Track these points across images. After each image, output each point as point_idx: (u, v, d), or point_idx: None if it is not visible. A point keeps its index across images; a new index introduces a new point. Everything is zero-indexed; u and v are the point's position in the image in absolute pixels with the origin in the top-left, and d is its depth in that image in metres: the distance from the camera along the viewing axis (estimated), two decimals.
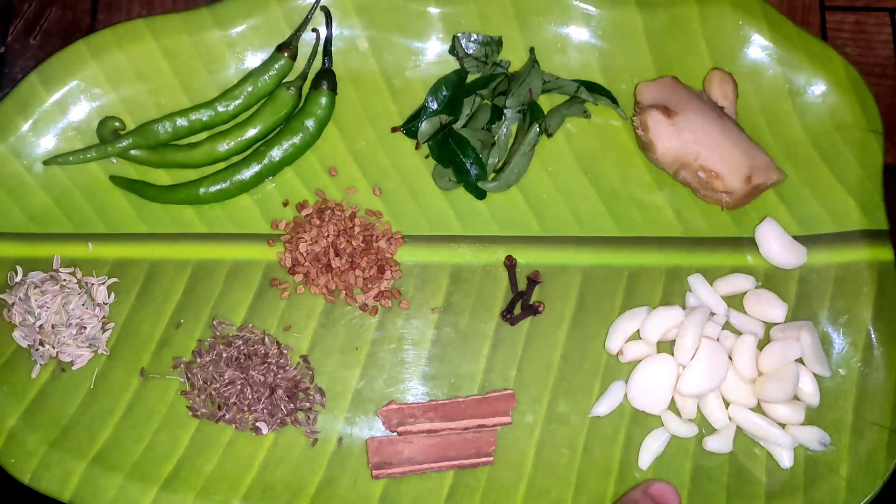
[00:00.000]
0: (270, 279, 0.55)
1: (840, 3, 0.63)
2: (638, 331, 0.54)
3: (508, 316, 0.54)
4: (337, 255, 0.54)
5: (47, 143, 0.55)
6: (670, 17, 0.57)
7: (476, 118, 0.56)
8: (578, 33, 0.58)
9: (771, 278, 0.56)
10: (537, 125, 0.55)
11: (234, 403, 0.52)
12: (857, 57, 0.62)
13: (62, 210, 0.55)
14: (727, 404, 0.54)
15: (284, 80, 0.56)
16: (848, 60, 0.57)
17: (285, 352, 0.54)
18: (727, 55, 0.58)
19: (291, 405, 0.53)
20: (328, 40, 0.56)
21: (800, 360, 0.53)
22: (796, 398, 0.53)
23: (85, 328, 0.53)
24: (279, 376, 0.53)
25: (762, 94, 0.58)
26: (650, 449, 0.53)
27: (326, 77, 0.55)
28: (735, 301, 0.56)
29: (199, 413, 0.52)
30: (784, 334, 0.54)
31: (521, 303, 0.55)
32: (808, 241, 0.56)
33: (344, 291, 0.55)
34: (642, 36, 0.58)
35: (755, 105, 0.58)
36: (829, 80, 0.57)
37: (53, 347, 0.52)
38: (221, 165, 0.56)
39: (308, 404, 0.53)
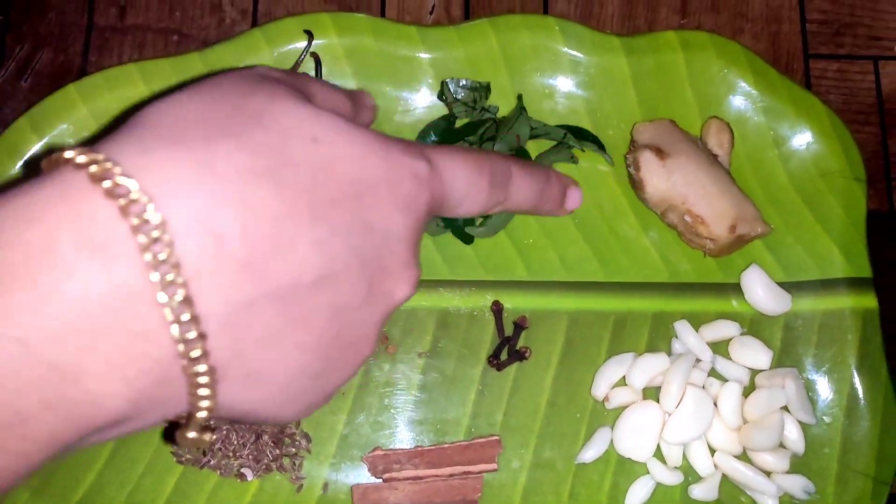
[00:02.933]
0: None
1: (824, 50, 0.64)
2: (624, 377, 0.54)
3: (495, 361, 0.54)
4: None
5: None
6: (657, 64, 0.58)
7: None
8: (566, 79, 0.58)
9: (756, 324, 0.56)
10: None
11: (219, 449, 0.52)
12: (841, 105, 0.63)
13: None
14: (713, 452, 0.54)
15: None
16: (831, 108, 0.58)
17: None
18: (713, 102, 0.58)
19: (277, 451, 0.52)
20: None
21: (785, 408, 0.54)
22: (782, 446, 0.54)
23: None
24: None
25: (747, 141, 0.58)
26: (636, 496, 0.53)
27: None
28: (721, 347, 0.56)
29: (183, 459, 0.52)
30: (769, 381, 0.54)
31: (508, 348, 0.55)
32: (792, 287, 0.56)
33: None
34: (629, 82, 0.58)
35: (741, 152, 0.58)
36: (813, 127, 0.58)
37: None
38: None
39: (294, 450, 0.53)
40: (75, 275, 0.22)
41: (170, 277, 0.23)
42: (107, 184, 0.23)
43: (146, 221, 0.23)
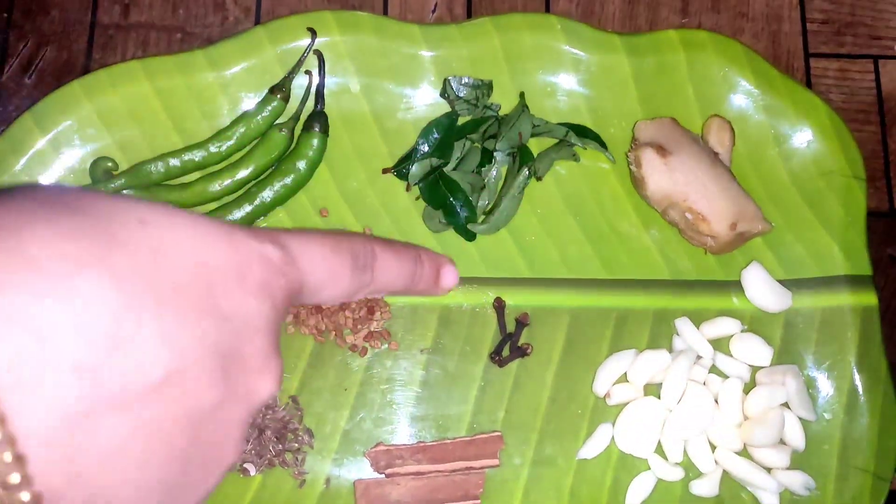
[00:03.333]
0: None
1: (824, 50, 0.64)
2: (625, 373, 0.55)
3: (497, 358, 0.55)
4: None
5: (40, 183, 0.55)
6: (657, 63, 0.58)
7: (466, 161, 0.57)
8: (567, 77, 0.59)
9: (757, 322, 0.56)
10: (527, 168, 0.56)
11: None
12: (841, 103, 0.63)
13: None
14: (714, 448, 0.54)
15: (277, 122, 0.57)
16: (832, 107, 0.58)
17: (275, 392, 0.54)
18: (714, 101, 0.59)
19: (280, 446, 0.53)
20: (321, 83, 0.57)
21: (785, 405, 0.54)
22: (782, 442, 0.54)
23: None
24: (268, 417, 0.53)
25: (748, 140, 0.59)
26: (637, 492, 0.53)
27: (318, 119, 0.56)
28: (721, 344, 0.56)
29: None
30: (770, 378, 0.54)
31: (510, 345, 0.55)
32: (793, 285, 0.57)
33: (333, 332, 0.55)
34: (630, 81, 0.59)
35: (742, 150, 0.59)
36: (814, 126, 0.58)
37: None
38: (213, 206, 0.56)
39: (296, 445, 0.53)
40: None
41: None
42: None
43: None
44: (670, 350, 0.55)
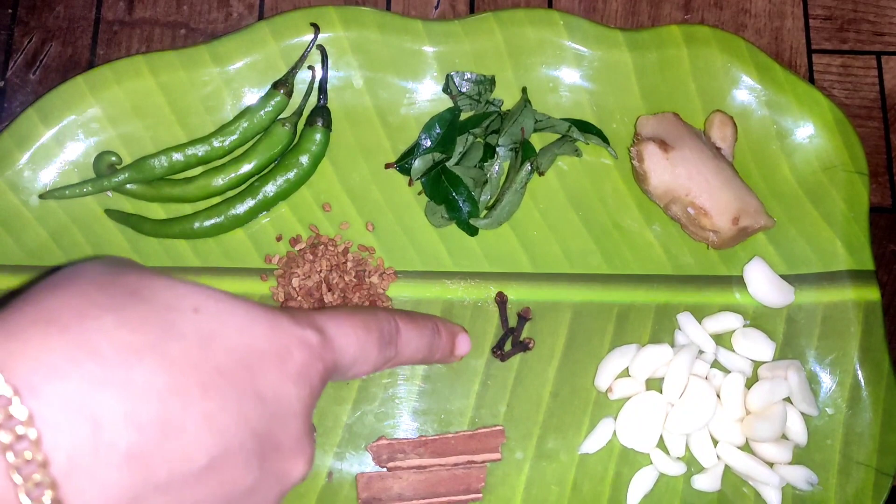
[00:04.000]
0: None
1: (827, 46, 0.64)
2: (627, 368, 0.55)
3: (499, 352, 0.55)
4: (329, 290, 0.55)
5: (44, 178, 0.55)
6: (660, 59, 0.59)
7: (469, 156, 0.57)
8: (570, 73, 0.59)
9: (759, 317, 0.56)
10: (529, 163, 0.56)
11: None
12: (844, 99, 0.63)
13: (58, 244, 0.55)
14: (716, 442, 0.54)
15: (280, 117, 0.57)
16: (834, 102, 0.58)
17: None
18: (716, 96, 0.59)
19: None
20: (324, 78, 0.57)
21: (787, 399, 0.54)
22: (784, 437, 0.54)
23: None
24: None
25: (751, 135, 0.59)
26: (639, 486, 0.53)
27: (321, 114, 0.56)
28: (724, 339, 0.56)
29: None
30: (772, 373, 0.54)
31: (512, 339, 0.55)
32: (795, 280, 0.57)
33: None
34: (633, 76, 0.59)
35: (744, 145, 0.59)
36: (816, 122, 0.58)
37: None
38: (216, 200, 0.56)
39: None
40: None
41: (37, 478, 0.21)
42: None
43: (10, 417, 0.21)
44: (672, 345, 0.55)
